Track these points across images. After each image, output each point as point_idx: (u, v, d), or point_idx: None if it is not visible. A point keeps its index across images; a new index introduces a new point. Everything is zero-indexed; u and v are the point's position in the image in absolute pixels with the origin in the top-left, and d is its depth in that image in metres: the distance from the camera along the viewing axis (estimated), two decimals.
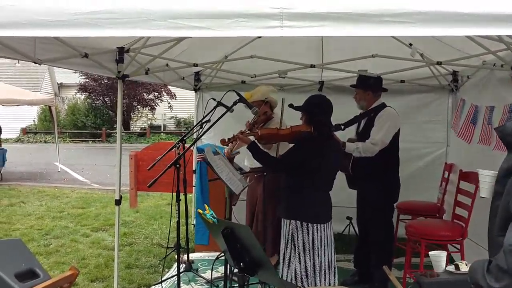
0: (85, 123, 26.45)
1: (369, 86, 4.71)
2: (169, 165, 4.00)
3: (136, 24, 2.00)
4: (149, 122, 29.09)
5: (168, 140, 23.92)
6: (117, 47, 4.55)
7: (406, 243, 4.86)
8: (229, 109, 4.03)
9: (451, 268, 2.92)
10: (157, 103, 26.87)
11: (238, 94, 4.06)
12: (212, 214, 2.45)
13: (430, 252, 3.05)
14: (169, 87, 25.74)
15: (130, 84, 24.97)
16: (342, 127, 4.61)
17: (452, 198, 5.51)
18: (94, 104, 27.01)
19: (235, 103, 4.03)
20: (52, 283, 2.43)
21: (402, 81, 6.30)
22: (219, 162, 3.98)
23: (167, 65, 5.61)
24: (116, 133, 23.17)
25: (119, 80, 4.75)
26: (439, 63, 4.72)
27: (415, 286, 3.02)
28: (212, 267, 3.23)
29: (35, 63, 3.60)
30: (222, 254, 2.71)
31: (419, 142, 6.52)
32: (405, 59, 4.79)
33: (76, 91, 26.61)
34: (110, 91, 25.76)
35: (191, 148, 5.52)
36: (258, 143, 4.07)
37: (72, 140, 25.26)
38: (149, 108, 26.86)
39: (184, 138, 4.78)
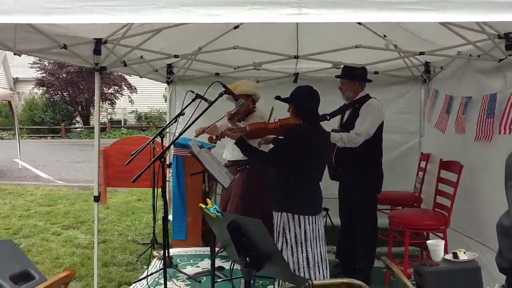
0: (43, 118, 25.65)
1: (355, 76, 4.71)
2: (154, 159, 3.88)
3: (147, 11, 1.91)
4: (109, 117, 28.46)
5: (130, 135, 23.50)
6: (94, 38, 4.41)
7: (388, 232, 4.91)
8: (213, 102, 3.94)
9: (449, 256, 2.95)
10: (117, 96, 26.30)
11: (224, 86, 3.97)
12: (215, 208, 2.38)
13: (428, 242, 3.07)
14: (129, 80, 25.31)
15: (90, 78, 24.38)
16: (328, 117, 4.59)
17: (429, 187, 5.62)
18: (52, 99, 26.21)
19: (220, 95, 3.94)
20: (48, 285, 2.32)
21: (376, 73, 6.36)
22: (206, 155, 3.91)
23: (141, 57, 5.49)
24: (76, 129, 22.30)
25: (96, 73, 4.61)
26: (421, 53, 4.77)
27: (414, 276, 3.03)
28: (212, 260, 3.12)
29: (14, 54, 3.44)
30: (222, 249, 2.64)
31: (393, 133, 6.53)
32: (389, 50, 4.82)
33: (33, 86, 25.75)
34: (68, 85, 25.07)
35: (165, 142, 5.40)
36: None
37: (30, 136, 24.49)
38: (109, 102, 26.24)
39: (163, 133, 4.69)
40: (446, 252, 3.23)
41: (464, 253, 2.91)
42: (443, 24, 3.95)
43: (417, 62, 6.22)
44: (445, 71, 5.77)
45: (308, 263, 3.60)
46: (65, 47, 3.97)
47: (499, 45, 4.15)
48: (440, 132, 5.60)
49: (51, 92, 25.62)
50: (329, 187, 5.10)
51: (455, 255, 2.91)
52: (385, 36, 4.99)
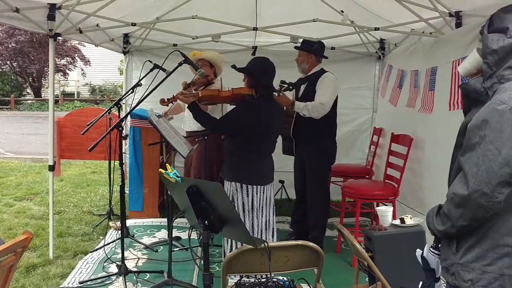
0: None
1: (313, 50, 4.80)
2: (112, 127, 3.85)
3: None
4: (61, 89, 27.66)
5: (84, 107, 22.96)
6: (48, 3, 4.30)
7: (341, 203, 5.07)
8: (171, 72, 3.92)
9: (396, 222, 3.10)
10: (70, 68, 25.57)
11: (183, 55, 3.95)
12: (175, 173, 2.42)
13: (377, 208, 3.21)
14: (83, 51, 24.60)
15: (41, 48, 23.58)
16: (291, 87, 4.70)
17: (380, 161, 5.82)
18: (0, 70, 25.24)
19: (180, 64, 3.92)
20: (6, 248, 2.31)
21: (333, 48, 6.47)
22: (164, 124, 3.92)
23: (97, 25, 5.39)
24: (27, 101, 21.59)
25: (50, 39, 4.51)
26: (376, 29, 4.90)
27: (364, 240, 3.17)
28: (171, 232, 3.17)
29: None
30: (181, 213, 2.69)
31: (347, 108, 6.71)
32: (345, 25, 4.93)
33: None
34: (18, 55, 24.17)
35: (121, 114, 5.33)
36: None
37: None
38: (62, 74, 25.48)
39: (119, 103, 4.64)
40: (394, 219, 3.40)
41: (411, 218, 3.08)
42: (398, 0, 4.10)
43: (373, 39, 6.37)
44: (399, 47, 5.94)
45: (252, 230, 3.70)
46: (17, 10, 3.87)
47: (450, 23, 4.33)
48: (392, 107, 5.79)
49: None
50: (285, 160, 5.25)
51: (402, 220, 3.07)
52: (342, 11, 5.11)
